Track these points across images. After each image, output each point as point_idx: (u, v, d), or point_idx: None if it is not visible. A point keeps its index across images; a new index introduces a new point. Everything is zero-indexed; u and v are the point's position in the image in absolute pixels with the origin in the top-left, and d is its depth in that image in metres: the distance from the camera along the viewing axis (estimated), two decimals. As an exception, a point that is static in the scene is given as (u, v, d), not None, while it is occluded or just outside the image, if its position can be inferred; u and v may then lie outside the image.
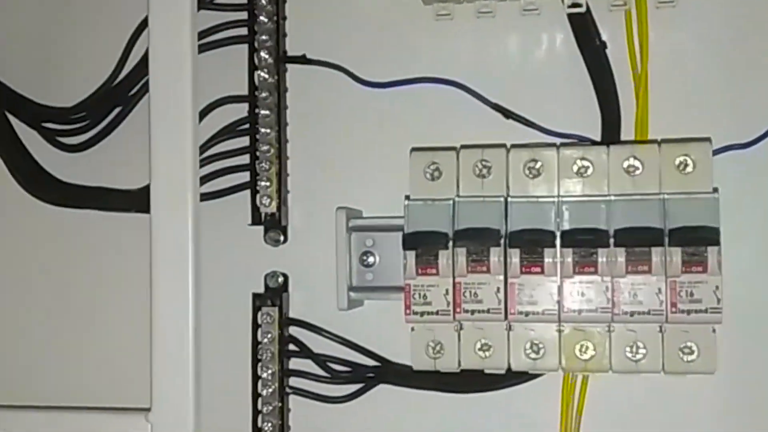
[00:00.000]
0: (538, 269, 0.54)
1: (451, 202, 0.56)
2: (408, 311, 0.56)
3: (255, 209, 0.66)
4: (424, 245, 0.55)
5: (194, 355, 0.56)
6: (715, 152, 0.58)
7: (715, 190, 0.55)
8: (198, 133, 0.62)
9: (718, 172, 0.57)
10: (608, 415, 0.63)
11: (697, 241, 0.53)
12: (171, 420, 0.56)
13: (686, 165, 0.55)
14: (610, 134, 0.61)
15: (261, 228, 0.67)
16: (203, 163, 0.66)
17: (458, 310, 0.56)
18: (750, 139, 0.60)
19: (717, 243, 0.53)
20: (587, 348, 0.56)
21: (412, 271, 0.56)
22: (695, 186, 0.54)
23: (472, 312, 0.55)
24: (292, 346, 0.67)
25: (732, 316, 0.56)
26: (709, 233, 0.53)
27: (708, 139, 0.56)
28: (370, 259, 0.64)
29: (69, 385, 0.69)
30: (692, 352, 0.55)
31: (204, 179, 0.66)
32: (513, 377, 0.63)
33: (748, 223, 0.60)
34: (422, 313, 0.56)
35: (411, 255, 0.56)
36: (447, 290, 0.56)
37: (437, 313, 0.56)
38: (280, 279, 0.67)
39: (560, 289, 0.55)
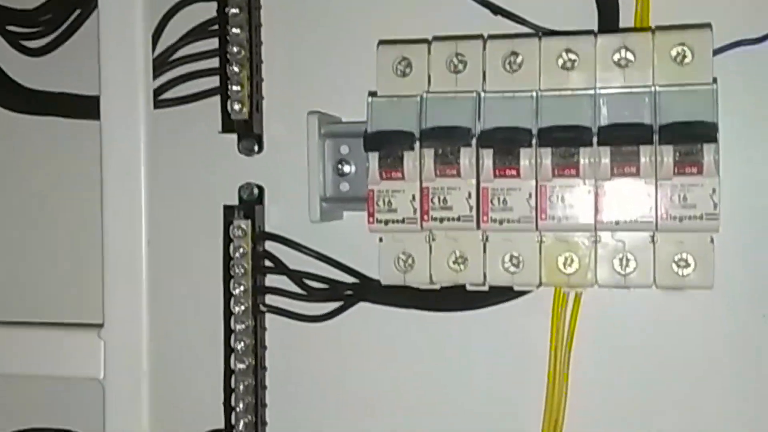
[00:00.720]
0: (514, 172, 0.49)
1: (418, 98, 0.51)
2: (371, 219, 0.51)
3: (226, 115, 0.61)
4: (387, 146, 0.50)
5: (147, 269, 0.52)
6: (723, 49, 0.51)
7: (714, 81, 0.48)
8: (150, 35, 0.57)
9: (725, 70, 0.51)
10: (601, 334, 0.58)
11: (691, 137, 0.47)
12: (124, 336, 0.53)
13: (684, 56, 0.48)
14: (608, 27, 0.54)
15: (235, 137, 0.62)
16: (171, 66, 0.62)
17: (425, 217, 0.51)
18: (763, 33, 0.53)
19: (714, 139, 0.47)
20: (571, 261, 0.51)
21: (375, 175, 0.51)
22: (693, 78, 0.48)
23: (441, 220, 0.50)
24: (267, 262, 0.63)
25: (732, 224, 0.50)
26: (704, 128, 0.47)
27: (708, 25, 0.49)
28: (346, 168, 0.59)
29: (21, 299, 0.67)
30: (688, 265, 0.49)
31: (172, 83, 0.62)
32: (498, 295, 0.58)
33: (757, 126, 0.54)
34: (386, 222, 0.51)
35: (373, 157, 0.51)
36: (413, 196, 0.51)
37: (403, 221, 0.51)
38: (255, 191, 0.63)
39: (538, 194, 0.49)
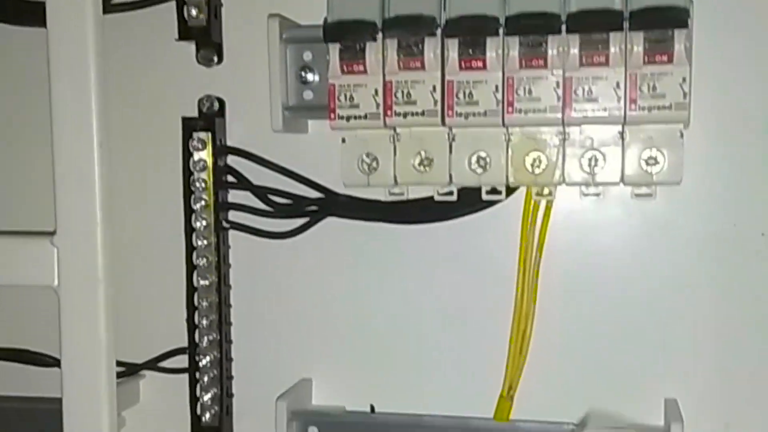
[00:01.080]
0: (480, 64, 0.47)
1: (381, -15, 0.49)
2: (332, 116, 0.49)
3: (182, 22, 0.59)
4: (348, 36, 0.48)
5: (101, 175, 0.50)
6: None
7: (688, -35, 0.47)
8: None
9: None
10: (571, 244, 0.57)
11: (663, 22, 0.45)
12: (77, 243, 0.51)
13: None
14: None
15: (193, 45, 0.60)
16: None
17: (389, 113, 0.49)
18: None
19: (685, 25, 0.45)
20: (540, 161, 0.49)
21: (336, 69, 0.49)
22: (666, -37, 0.46)
23: (405, 115, 0.49)
24: (230, 178, 0.61)
25: (701, 117, 0.48)
26: (676, 13, 0.45)
27: None
28: (309, 76, 0.57)
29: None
30: (657, 163, 0.48)
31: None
32: (466, 206, 0.57)
33: (731, 22, 0.52)
34: (348, 118, 0.49)
35: (334, 49, 0.49)
36: (376, 90, 0.49)
37: (366, 116, 0.49)
38: (215, 104, 0.61)
39: (504, 86, 0.48)
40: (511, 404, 0.58)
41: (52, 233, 0.52)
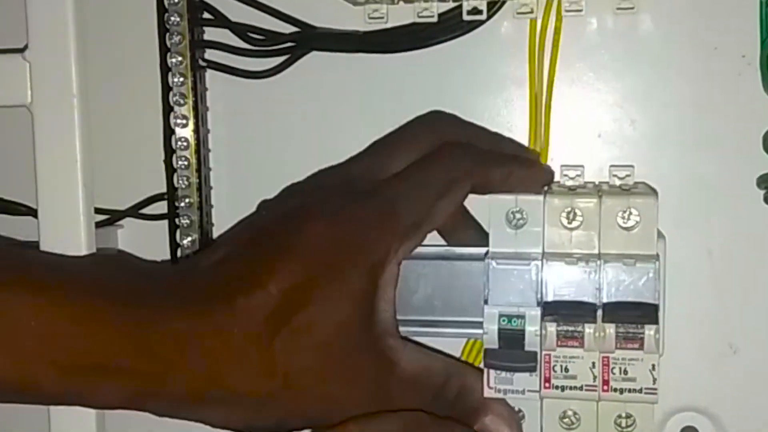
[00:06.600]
0: None
1: None
2: None
3: None
4: None
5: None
6: None
7: None
8: None
9: None
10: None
11: None
12: (50, 56, 0.49)
13: None
14: None
15: None
16: None
17: None
18: None
19: None
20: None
21: None
22: None
23: None
24: (206, 15, 0.59)
25: None
26: None
27: None
28: None
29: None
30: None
31: None
32: (447, 30, 0.56)
33: None
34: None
35: None
36: None
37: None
38: (188, -60, 0.59)
39: None
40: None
41: (24, 49, 0.50)
